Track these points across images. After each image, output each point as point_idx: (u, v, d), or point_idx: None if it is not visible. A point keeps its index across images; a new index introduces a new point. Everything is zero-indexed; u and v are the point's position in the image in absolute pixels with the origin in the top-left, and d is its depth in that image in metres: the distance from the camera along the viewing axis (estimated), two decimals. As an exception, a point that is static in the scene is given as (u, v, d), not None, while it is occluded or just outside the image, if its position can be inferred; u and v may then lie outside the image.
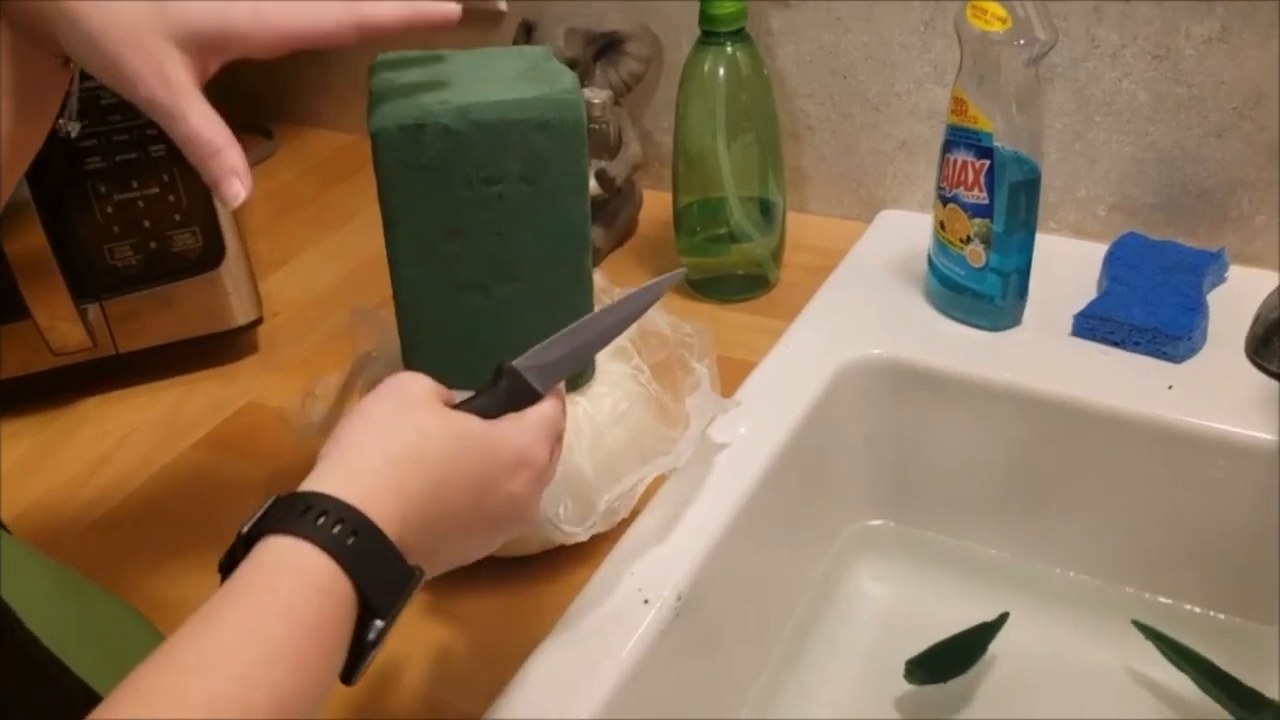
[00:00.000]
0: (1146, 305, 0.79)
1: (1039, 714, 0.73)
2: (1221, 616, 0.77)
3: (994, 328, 0.81)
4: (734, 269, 0.90)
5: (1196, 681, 0.70)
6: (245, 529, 0.41)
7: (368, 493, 0.42)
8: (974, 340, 0.81)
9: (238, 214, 0.84)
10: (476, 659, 0.61)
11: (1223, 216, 0.86)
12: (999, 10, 0.72)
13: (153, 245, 0.80)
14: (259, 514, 0.41)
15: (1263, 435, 0.72)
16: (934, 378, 0.80)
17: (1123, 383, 0.76)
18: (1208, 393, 0.74)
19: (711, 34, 0.83)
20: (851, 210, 1.00)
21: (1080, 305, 0.81)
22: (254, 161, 1.16)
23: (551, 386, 0.52)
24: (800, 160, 1.00)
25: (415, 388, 0.48)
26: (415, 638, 0.62)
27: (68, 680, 0.46)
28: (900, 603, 0.82)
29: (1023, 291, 0.81)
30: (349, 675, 0.41)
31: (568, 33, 0.94)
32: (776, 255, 0.91)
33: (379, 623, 0.41)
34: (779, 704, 0.74)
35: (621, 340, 0.58)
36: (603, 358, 0.68)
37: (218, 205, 0.82)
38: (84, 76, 0.51)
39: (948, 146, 0.78)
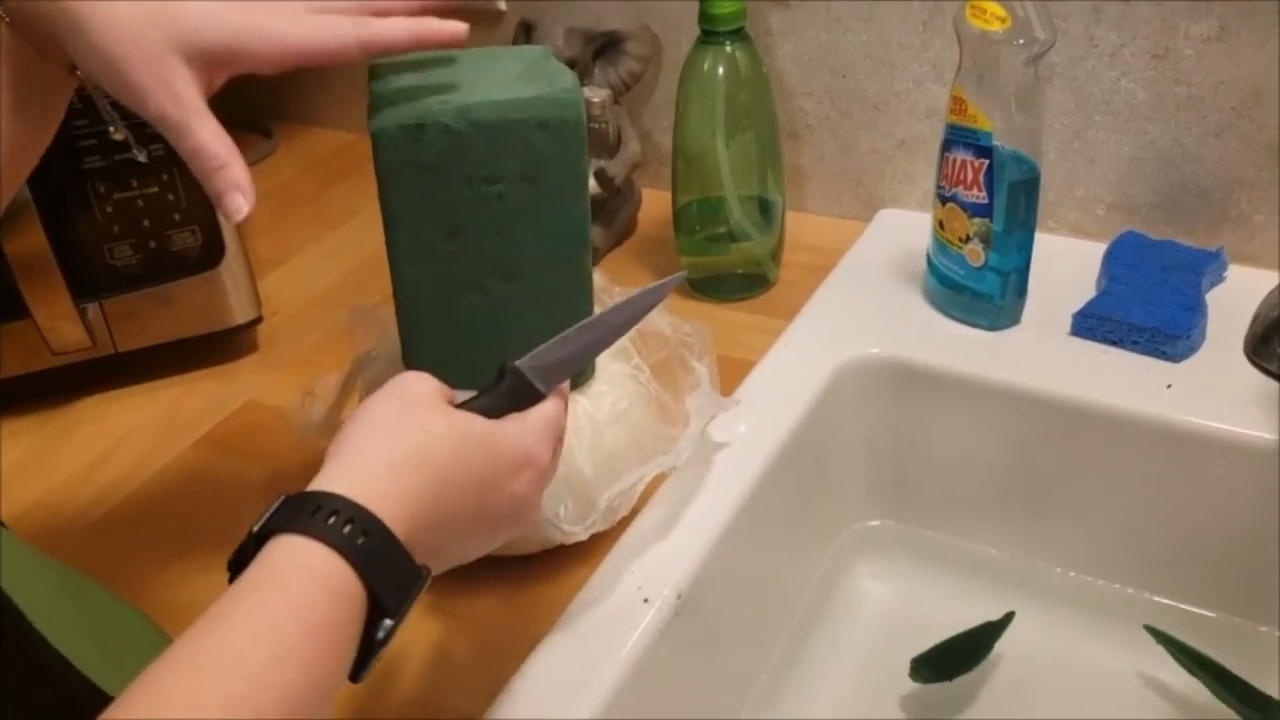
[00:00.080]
0: (1145, 304, 0.79)
1: (1039, 714, 0.73)
2: (1221, 617, 0.77)
3: (993, 327, 0.81)
4: (733, 268, 0.90)
5: (1209, 686, 0.70)
6: (255, 527, 0.41)
7: (376, 493, 0.42)
8: (973, 339, 0.81)
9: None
10: (476, 658, 0.61)
11: (1222, 216, 0.87)
12: (998, 10, 0.72)
13: (152, 244, 0.80)
14: (269, 513, 0.41)
15: (1262, 435, 0.72)
16: (933, 377, 0.80)
17: (1122, 382, 0.76)
18: (1207, 392, 0.74)
19: (711, 33, 0.83)
20: (850, 209, 1.00)
21: (1079, 304, 0.81)
22: (253, 161, 1.17)
23: (554, 387, 0.52)
24: (799, 159, 1.00)
25: (419, 388, 0.48)
26: (415, 637, 0.62)
27: (73, 677, 0.46)
28: (900, 602, 0.82)
29: (1022, 291, 0.81)
30: (357, 674, 0.41)
31: (567, 32, 0.94)
32: (776, 254, 0.91)
33: (388, 622, 0.41)
34: (779, 704, 0.74)
35: (621, 340, 0.58)
36: (603, 357, 0.68)
37: (217, 205, 0.82)
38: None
39: (947, 146, 0.78)
